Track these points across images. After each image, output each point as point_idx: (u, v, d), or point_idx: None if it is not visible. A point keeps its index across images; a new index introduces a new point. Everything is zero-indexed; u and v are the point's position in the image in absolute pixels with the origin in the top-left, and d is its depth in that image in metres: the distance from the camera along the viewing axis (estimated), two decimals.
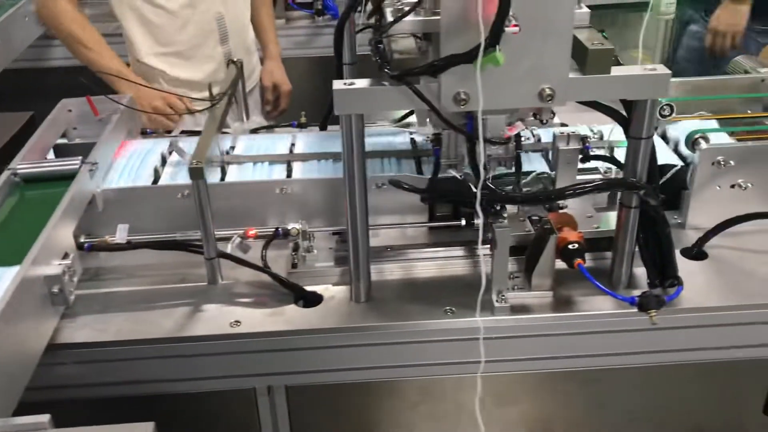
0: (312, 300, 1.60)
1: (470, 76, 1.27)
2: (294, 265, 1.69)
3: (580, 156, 1.68)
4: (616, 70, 1.36)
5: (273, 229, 1.68)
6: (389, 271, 1.68)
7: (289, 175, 1.84)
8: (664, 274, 1.56)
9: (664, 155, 1.82)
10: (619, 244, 1.55)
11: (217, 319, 1.55)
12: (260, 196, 1.76)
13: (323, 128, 2.14)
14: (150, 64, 2.57)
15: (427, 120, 1.58)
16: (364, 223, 1.50)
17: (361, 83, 1.36)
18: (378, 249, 1.71)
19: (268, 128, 2.18)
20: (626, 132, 1.45)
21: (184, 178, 1.75)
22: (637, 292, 1.56)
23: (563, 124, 2.13)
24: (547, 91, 1.33)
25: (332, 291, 1.62)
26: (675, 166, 1.77)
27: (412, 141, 1.95)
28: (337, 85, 1.36)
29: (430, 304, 1.57)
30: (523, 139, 1.73)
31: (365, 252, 1.53)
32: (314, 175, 1.83)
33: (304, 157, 1.91)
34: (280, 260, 1.70)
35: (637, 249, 1.56)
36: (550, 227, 1.53)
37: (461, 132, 1.40)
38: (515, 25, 1.22)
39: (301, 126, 2.17)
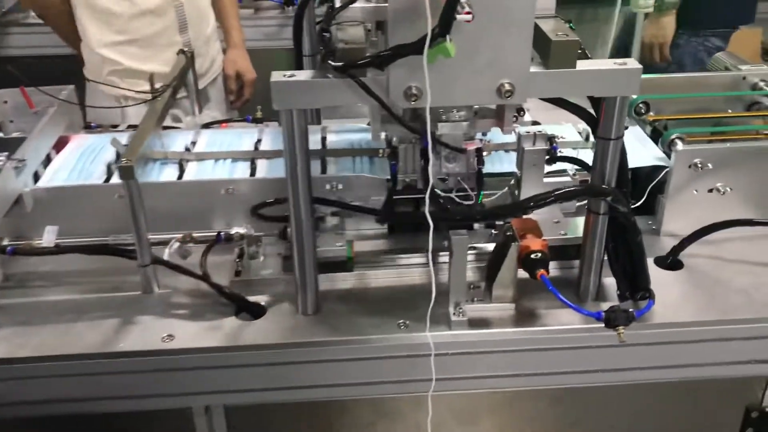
0: (254, 312, 1.47)
1: (421, 70, 1.15)
2: (237, 273, 1.56)
3: (547, 157, 1.56)
4: (582, 65, 1.24)
5: (215, 234, 1.55)
6: (342, 279, 1.55)
7: (252, 174, 1.71)
8: (635, 286, 1.45)
9: (652, 156, 1.71)
10: (587, 253, 1.43)
11: (149, 332, 1.42)
12: (204, 197, 1.64)
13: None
14: (103, 55, 2.42)
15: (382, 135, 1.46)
16: (310, 229, 1.37)
17: (303, 75, 1.24)
18: None
19: (223, 123, 2.04)
20: (594, 132, 1.33)
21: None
22: (606, 305, 1.45)
23: (535, 123, 2.02)
24: (506, 87, 1.21)
25: (278, 302, 1.49)
26: (666, 168, 1.66)
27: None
28: (276, 76, 1.23)
29: (383, 316, 1.45)
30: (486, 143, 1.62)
31: (311, 260, 1.40)
32: (271, 174, 1.70)
33: (268, 155, 1.78)
34: (224, 267, 1.57)
35: (606, 258, 1.44)
36: (512, 234, 1.41)
37: (412, 130, 1.28)
38: (468, 12, 1.10)
39: (256, 121, 2.04)
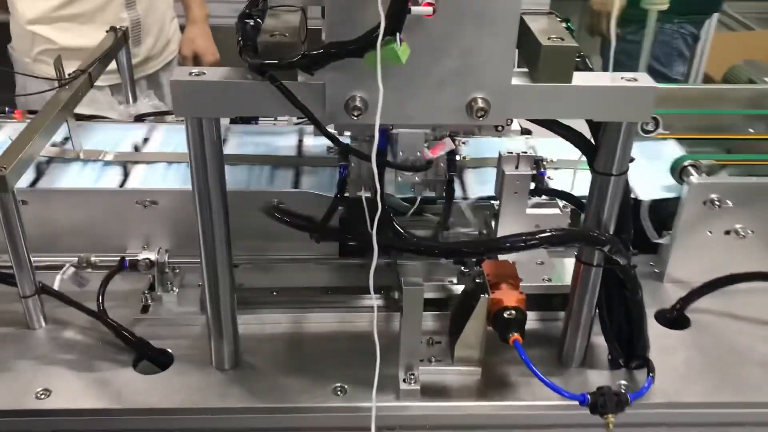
0: (159, 362, 1.18)
1: (368, 77, 0.86)
2: (145, 309, 1.27)
3: (533, 185, 1.27)
4: (580, 79, 0.94)
5: (118, 258, 1.26)
6: (273, 323, 1.27)
7: None
8: (631, 353, 1.17)
9: (658, 184, 1.43)
10: (574, 310, 1.15)
11: (21, 383, 1.13)
12: (115, 212, 1.35)
13: (233, 121, 1.71)
14: (34, 31, 2.11)
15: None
16: (226, 261, 1.08)
17: (215, 74, 0.94)
18: (259, 292, 1.29)
19: (162, 115, 1.74)
20: (591, 164, 1.05)
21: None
22: (593, 374, 1.18)
23: (525, 132, 1.73)
24: (479, 104, 0.92)
25: (190, 349, 1.20)
26: (674, 198, 1.38)
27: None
28: (180, 74, 0.94)
29: (318, 377, 1.16)
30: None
31: (228, 301, 1.12)
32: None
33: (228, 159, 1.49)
34: (131, 300, 1.28)
35: (597, 315, 1.16)
36: (482, 282, 1.12)
37: (358, 155, 0.99)
38: (429, 4, 0.81)
39: None
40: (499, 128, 1.60)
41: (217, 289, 1.09)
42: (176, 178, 1.44)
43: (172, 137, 1.59)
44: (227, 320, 1.13)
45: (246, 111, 0.96)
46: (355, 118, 0.92)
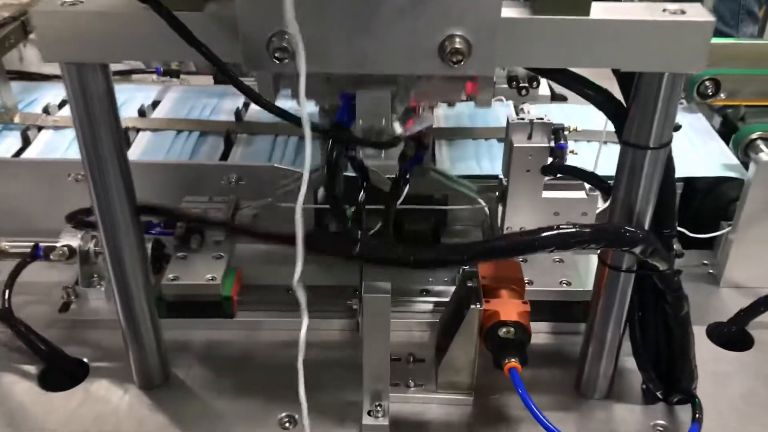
0: (71, 374, 0.95)
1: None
2: (65, 307, 1.04)
3: (549, 160, 0.99)
4: (601, 9, 0.66)
5: (32, 245, 1.03)
6: (215, 328, 1.02)
7: None
8: (672, 384, 0.89)
9: (718, 161, 1.15)
10: (597, 326, 0.87)
11: None
12: (37, 186, 1.12)
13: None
14: None
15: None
16: (139, 254, 0.84)
17: (93, 2, 0.68)
18: None
19: (128, 74, 1.50)
20: (619, 133, 0.76)
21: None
22: (622, 411, 0.91)
23: (557, 97, 1.45)
24: (456, 44, 0.65)
25: (112, 358, 0.97)
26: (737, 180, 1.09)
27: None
28: (47, 3, 0.68)
29: (264, 401, 0.92)
30: None
31: (145, 304, 0.87)
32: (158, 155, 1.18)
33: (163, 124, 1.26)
34: (54, 295, 1.05)
35: (628, 334, 0.88)
36: (474, 287, 0.86)
37: (288, 118, 0.72)
38: None
39: (170, 74, 1.49)
40: (523, 92, 1.36)
41: (127, 287, 0.85)
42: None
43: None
44: (146, 326, 0.89)
45: (134, 53, 0.71)
46: (278, 62, 0.65)
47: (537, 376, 0.94)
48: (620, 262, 0.81)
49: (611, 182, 0.82)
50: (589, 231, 0.74)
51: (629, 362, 0.91)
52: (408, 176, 0.94)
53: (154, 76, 1.48)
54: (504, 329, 0.83)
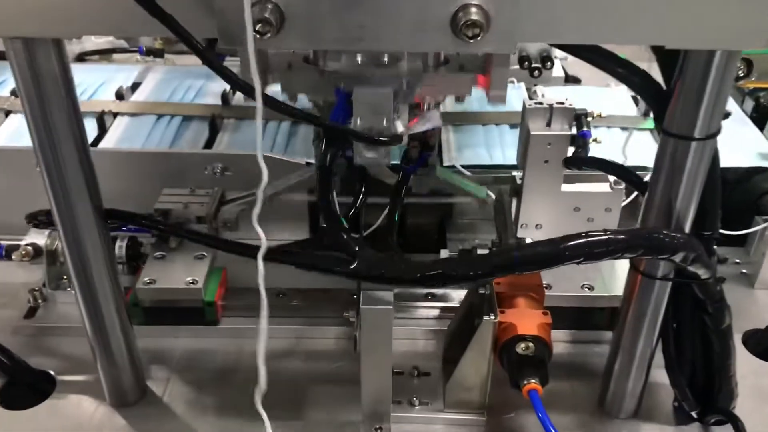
0: (37, 388, 0.85)
1: None
2: (32, 312, 0.94)
3: (572, 149, 0.88)
4: None
5: None
6: (198, 337, 0.92)
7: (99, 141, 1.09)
8: (709, 402, 0.79)
9: (752, 149, 1.05)
10: (626, 337, 0.78)
11: None
12: (4, 179, 1.01)
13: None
14: None
15: None
16: (101, 252, 0.73)
17: None
18: None
19: (108, 53, 1.39)
20: (659, 120, 0.65)
21: None
22: (650, 431, 0.80)
23: (573, 80, 1.35)
24: (472, 16, 0.54)
25: (82, 371, 0.87)
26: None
27: None
28: None
29: (249, 419, 0.80)
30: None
31: (114, 312, 0.77)
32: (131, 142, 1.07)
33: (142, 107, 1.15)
34: (21, 298, 0.95)
35: (660, 346, 0.78)
36: (488, 295, 0.76)
37: (274, 106, 0.61)
38: None
39: (154, 53, 1.38)
40: (536, 73, 1.25)
41: (93, 293, 0.75)
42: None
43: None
44: (116, 337, 0.79)
45: (92, 27, 0.60)
46: (260, 36, 0.54)
47: (556, 390, 0.84)
48: (655, 270, 0.71)
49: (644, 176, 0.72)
50: (623, 238, 0.63)
51: (659, 376, 0.81)
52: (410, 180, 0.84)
53: (138, 56, 1.37)
54: (522, 345, 0.73)
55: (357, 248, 0.67)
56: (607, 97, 1.20)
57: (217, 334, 0.91)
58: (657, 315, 0.75)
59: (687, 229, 0.68)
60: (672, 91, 0.63)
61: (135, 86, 1.22)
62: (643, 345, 0.77)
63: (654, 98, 0.65)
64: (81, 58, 1.36)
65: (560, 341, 0.90)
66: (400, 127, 0.68)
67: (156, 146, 1.06)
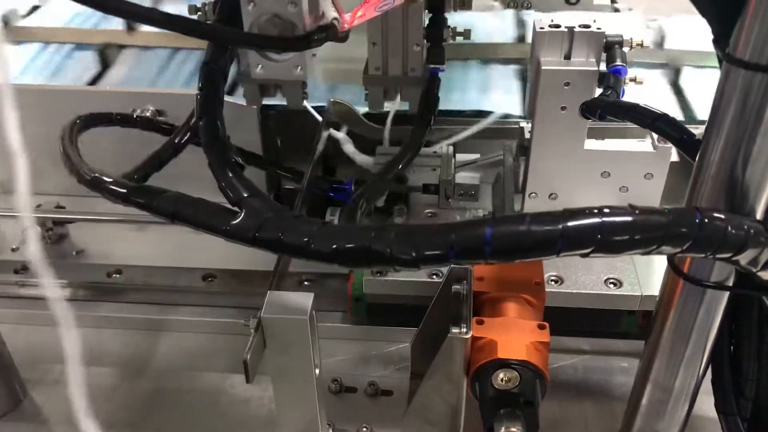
0: None
1: None
2: None
3: (600, 90, 0.64)
4: None
5: None
6: (98, 326, 0.72)
7: None
8: None
9: None
10: (657, 368, 0.54)
11: None
12: None
13: None
14: None
15: None
16: None
17: None
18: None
19: None
20: (721, 44, 0.41)
21: None
22: None
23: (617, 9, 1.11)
24: None
25: None
26: None
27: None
28: None
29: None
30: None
31: None
32: None
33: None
34: None
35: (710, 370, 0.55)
36: (462, 295, 0.53)
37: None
38: None
39: None
40: None
41: None
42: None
43: None
44: None
45: None
46: None
47: (565, 417, 0.63)
48: (706, 272, 0.47)
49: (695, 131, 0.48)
50: (659, 221, 0.40)
51: (707, 408, 0.58)
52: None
53: None
54: (502, 375, 0.50)
55: (246, 194, 0.45)
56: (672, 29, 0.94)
57: (120, 323, 0.71)
58: (706, 333, 0.51)
59: (759, 214, 0.44)
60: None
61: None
62: (683, 374, 0.54)
63: (712, 2, 0.40)
64: None
65: (574, 352, 0.68)
66: (331, 13, 0.45)
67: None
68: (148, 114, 0.78)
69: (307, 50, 0.51)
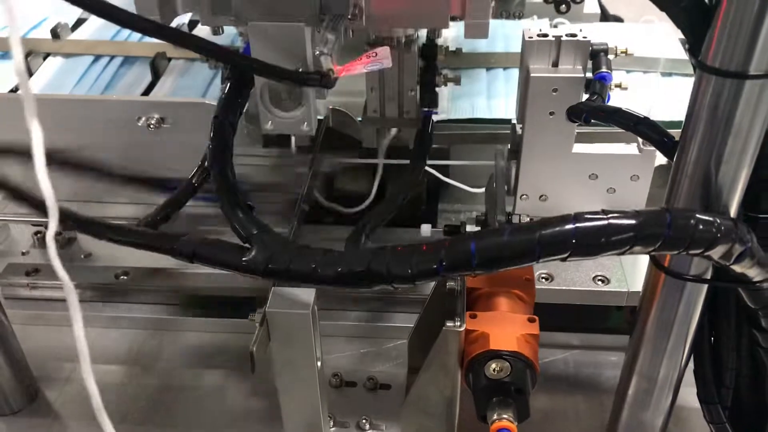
0: None
1: None
2: None
3: (586, 96, 0.67)
4: None
5: None
6: (105, 326, 0.75)
7: None
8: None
9: None
10: (642, 360, 0.57)
11: None
12: None
13: None
14: None
15: None
16: None
17: None
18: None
19: None
20: (695, 52, 0.44)
21: None
22: None
23: (614, 19, 1.14)
24: None
25: None
26: None
27: None
28: None
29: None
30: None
31: None
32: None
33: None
34: None
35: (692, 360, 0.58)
36: (456, 291, 0.56)
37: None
38: None
39: None
40: (562, 7, 1.06)
41: None
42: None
43: None
44: None
45: None
46: None
47: (555, 410, 0.66)
48: (684, 267, 0.50)
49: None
50: (630, 224, 0.43)
51: (690, 399, 0.61)
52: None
53: None
54: (495, 365, 0.53)
55: (255, 231, 0.48)
56: (651, 38, 0.97)
57: (127, 323, 0.74)
58: (687, 326, 0.54)
59: (733, 212, 0.47)
60: (715, 11, 0.41)
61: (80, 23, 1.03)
62: (667, 365, 0.57)
63: (686, 19, 0.43)
64: None
65: (564, 347, 0.71)
66: (326, 65, 0.49)
67: (87, 92, 0.88)
68: (152, 121, 0.81)
69: (310, 104, 0.54)
